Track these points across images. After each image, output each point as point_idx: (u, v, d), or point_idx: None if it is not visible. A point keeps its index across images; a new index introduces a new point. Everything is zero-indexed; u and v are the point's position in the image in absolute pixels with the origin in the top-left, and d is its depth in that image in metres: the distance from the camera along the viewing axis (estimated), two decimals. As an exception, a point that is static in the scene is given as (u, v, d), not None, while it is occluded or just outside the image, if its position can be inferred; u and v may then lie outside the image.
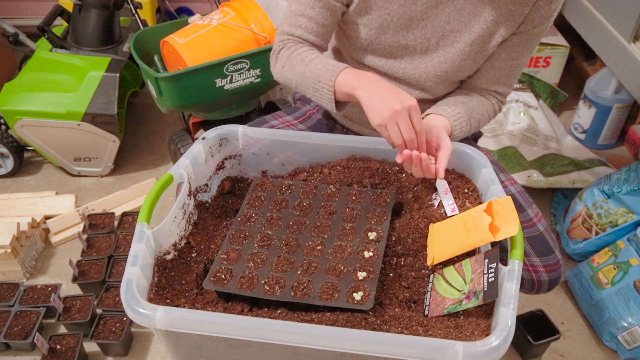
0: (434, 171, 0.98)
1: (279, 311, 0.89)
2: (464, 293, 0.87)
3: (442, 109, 1.11)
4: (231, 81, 1.76)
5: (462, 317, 0.87)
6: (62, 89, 1.92)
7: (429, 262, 0.97)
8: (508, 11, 1.06)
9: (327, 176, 1.14)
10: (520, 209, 1.17)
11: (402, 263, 0.99)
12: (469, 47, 1.10)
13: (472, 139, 1.38)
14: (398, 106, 0.93)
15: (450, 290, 0.89)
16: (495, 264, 0.85)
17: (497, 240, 0.87)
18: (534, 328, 1.47)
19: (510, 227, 0.87)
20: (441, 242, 0.97)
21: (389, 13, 1.09)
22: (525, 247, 1.16)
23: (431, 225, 1.03)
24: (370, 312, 0.88)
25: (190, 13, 2.75)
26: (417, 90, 1.19)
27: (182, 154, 1.30)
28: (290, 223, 1.04)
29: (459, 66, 1.12)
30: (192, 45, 1.73)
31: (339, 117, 1.30)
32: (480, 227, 0.90)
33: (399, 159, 0.98)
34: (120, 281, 1.01)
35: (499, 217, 0.90)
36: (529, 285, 1.21)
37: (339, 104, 1.07)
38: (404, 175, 1.13)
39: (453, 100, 1.15)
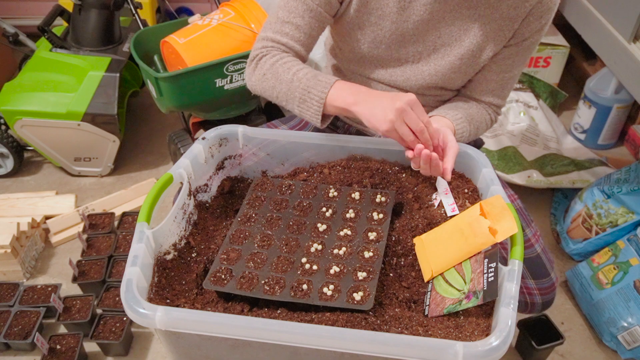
0: (442, 169, 0.98)
1: (279, 311, 0.89)
2: (464, 293, 0.87)
3: (444, 112, 1.12)
4: (231, 81, 1.76)
5: (462, 317, 0.87)
6: (62, 89, 1.92)
7: (426, 278, 0.94)
8: (498, 27, 1.07)
9: (327, 176, 1.14)
10: None
11: (402, 263, 0.99)
12: (459, 61, 1.11)
13: (475, 147, 1.38)
14: (399, 104, 0.93)
15: (450, 290, 0.89)
16: (495, 264, 0.85)
17: (498, 241, 0.87)
18: (538, 332, 1.47)
19: (507, 225, 0.87)
20: (436, 254, 0.95)
21: (382, 29, 1.10)
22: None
23: (416, 239, 1.00)
24: (370, 312, 0.88)
25: (190, 13, 2.75)
26: None
27: (182, 154, 1.30)
28: (290, 223, 1.04)
29: (449, 78, 1.14)
30: (192, 45, 1.73)
31: (341, 116, 1.30)
32: (479, 232, 0.89)
33: (409, 154, 0.98)
34: (120, 281, 1.00)
35: (492, 217, 0.89)
36: (522, 306, 1.21)
37: (324, 117, 1.05)
38: (404, 175, 1.13)
39: (454, 106, 1.16)
